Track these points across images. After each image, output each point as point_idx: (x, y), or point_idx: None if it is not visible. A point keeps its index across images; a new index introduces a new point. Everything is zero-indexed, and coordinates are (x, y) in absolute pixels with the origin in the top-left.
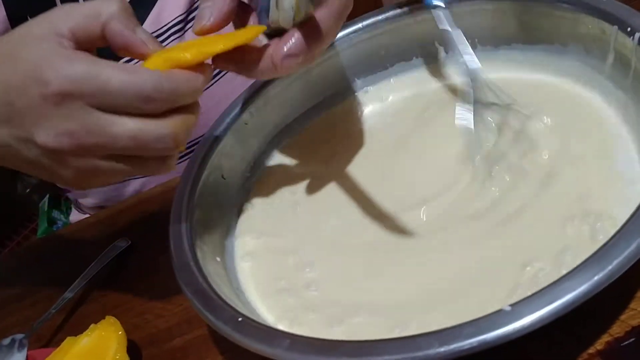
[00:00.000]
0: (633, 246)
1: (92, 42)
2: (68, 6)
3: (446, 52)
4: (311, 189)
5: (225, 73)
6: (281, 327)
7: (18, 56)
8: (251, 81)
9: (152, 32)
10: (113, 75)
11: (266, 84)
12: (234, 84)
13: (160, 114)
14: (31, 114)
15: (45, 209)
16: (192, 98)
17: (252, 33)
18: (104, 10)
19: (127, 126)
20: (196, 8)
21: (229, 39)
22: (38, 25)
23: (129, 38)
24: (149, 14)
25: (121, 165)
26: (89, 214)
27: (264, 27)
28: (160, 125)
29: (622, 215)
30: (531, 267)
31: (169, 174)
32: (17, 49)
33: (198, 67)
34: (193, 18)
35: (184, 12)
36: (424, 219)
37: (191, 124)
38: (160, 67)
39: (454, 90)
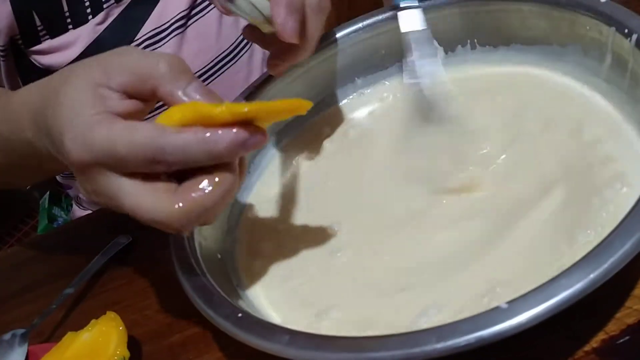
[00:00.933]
0: (629, 244)
1: (142, 97)
2: (125, 58)
3: (446, 52)
4: (312, 187)
5: (224, 71)
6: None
7: (60, 99)
8: (251, 79)
9: (155, 29)
10: (120, 139)
11: (266, 82)
12: (235, 80)
13: (177, 174)
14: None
15: (46, 205)
16: (210, 161)
17: (298, 106)
18: (155, 72)
19: (130, 197)
20: (199, 4)
21: (272, 107)
22: (90, 71)
23: (178, 100)
24: (152, 10)
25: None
26: (91, 210)
27: (310, 103)
28: (158, 205)
29: None
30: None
31: None
32: (63, 90)
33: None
34: (195, 14)
35: (187, 8)
36: (440, 212)
37: (199, 210)
38: (178, 120)
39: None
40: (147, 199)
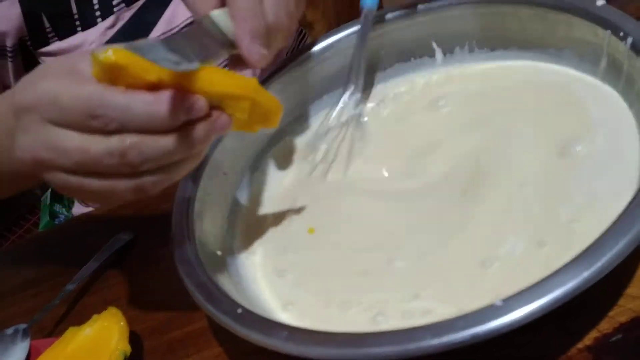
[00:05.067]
0: (622, 243)
1: None
2: None
3: (444, 53)
4: (311, 184)
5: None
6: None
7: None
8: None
9: (165, 32)
10: (66, 89)
11: (266, 82)
12: None
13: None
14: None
15: (47, 202)
16: (150, 120)
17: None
18: None
19: (75, 140)
20: None
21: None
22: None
23: None
24: (162, 14)
25: (90, 181)
26: (92, 207)
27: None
28: (108, 140)
29: None
30: None
31: None
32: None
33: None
34: None
35: None
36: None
37: (147, 147)
38: (107, 78)
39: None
40: (95, 139)
